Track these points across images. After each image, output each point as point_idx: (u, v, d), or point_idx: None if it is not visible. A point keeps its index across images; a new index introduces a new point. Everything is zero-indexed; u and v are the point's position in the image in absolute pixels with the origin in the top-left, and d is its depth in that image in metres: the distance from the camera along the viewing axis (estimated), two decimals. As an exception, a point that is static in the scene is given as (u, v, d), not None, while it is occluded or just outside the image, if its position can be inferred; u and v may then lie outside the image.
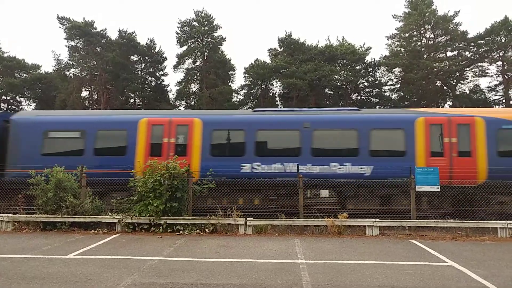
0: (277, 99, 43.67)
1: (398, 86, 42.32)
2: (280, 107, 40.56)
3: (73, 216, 10.39)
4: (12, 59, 43.57)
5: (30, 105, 45.32)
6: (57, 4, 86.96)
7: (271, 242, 9.05)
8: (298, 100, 38.96)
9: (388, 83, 42.98)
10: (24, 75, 43.97)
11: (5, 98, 44.49)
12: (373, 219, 10.17)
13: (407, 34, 41.16)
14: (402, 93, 41.56)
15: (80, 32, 40.42)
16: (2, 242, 8.89)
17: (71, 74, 43.08)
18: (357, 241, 9.17)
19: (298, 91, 38.15)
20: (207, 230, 10.08)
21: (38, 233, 10.09)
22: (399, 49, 41.91)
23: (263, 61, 41.64)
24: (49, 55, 61.83)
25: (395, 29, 42.58)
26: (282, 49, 43.34)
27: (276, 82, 42.95)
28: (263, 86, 43.40)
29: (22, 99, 45.51)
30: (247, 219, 10.24)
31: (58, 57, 43.66)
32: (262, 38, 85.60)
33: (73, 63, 42.89)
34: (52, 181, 10.65)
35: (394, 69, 41.84)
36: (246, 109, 38.03)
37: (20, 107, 44.45)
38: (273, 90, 44.46)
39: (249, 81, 43.16)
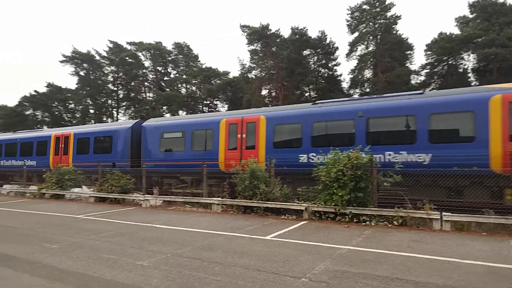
0: (469, 75, 37.26)
1: None
2: (475, 84, 34.35)
3: (266, 202, 11.61)
4: (209, 69, 53.06)
5: (224, 106, 53.35)
6: (239, 15, 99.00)
7: (477, 241, 7.74)
8: (500, 74, 32.13)
9: None
10: (218, 81, 52.20)
11: (205, 102, 53.94)
12: None
13: None
14: None
15: (258, 36, 44.77)
16: (215, 221, 10.77)
17: (252, 76, 48.38)
18: None
19: (500, 61, 31.40)
20: (395, 222, 9.48)
21: (240, 215, 11.74)
22: None
23: (450, 33, 36.19)
24: (236, 62, 71.53)
25: None
26: (474, 15, 36.63)
27: (468, 56, 36.67)
28: (450, 62, 37.81)
29: (217, 102, 54.19)
30: (443, 213, 9.09)
31: (242, 61, 49.95)
32: (445, 7, 74.45)
33: (254, 65, 48.01)
34: (247, 170, 12.18)
35: None
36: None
37: (217, 109, 52.84)
38: (464, 65, 38.17)
39: (432, 58, 38.40)
